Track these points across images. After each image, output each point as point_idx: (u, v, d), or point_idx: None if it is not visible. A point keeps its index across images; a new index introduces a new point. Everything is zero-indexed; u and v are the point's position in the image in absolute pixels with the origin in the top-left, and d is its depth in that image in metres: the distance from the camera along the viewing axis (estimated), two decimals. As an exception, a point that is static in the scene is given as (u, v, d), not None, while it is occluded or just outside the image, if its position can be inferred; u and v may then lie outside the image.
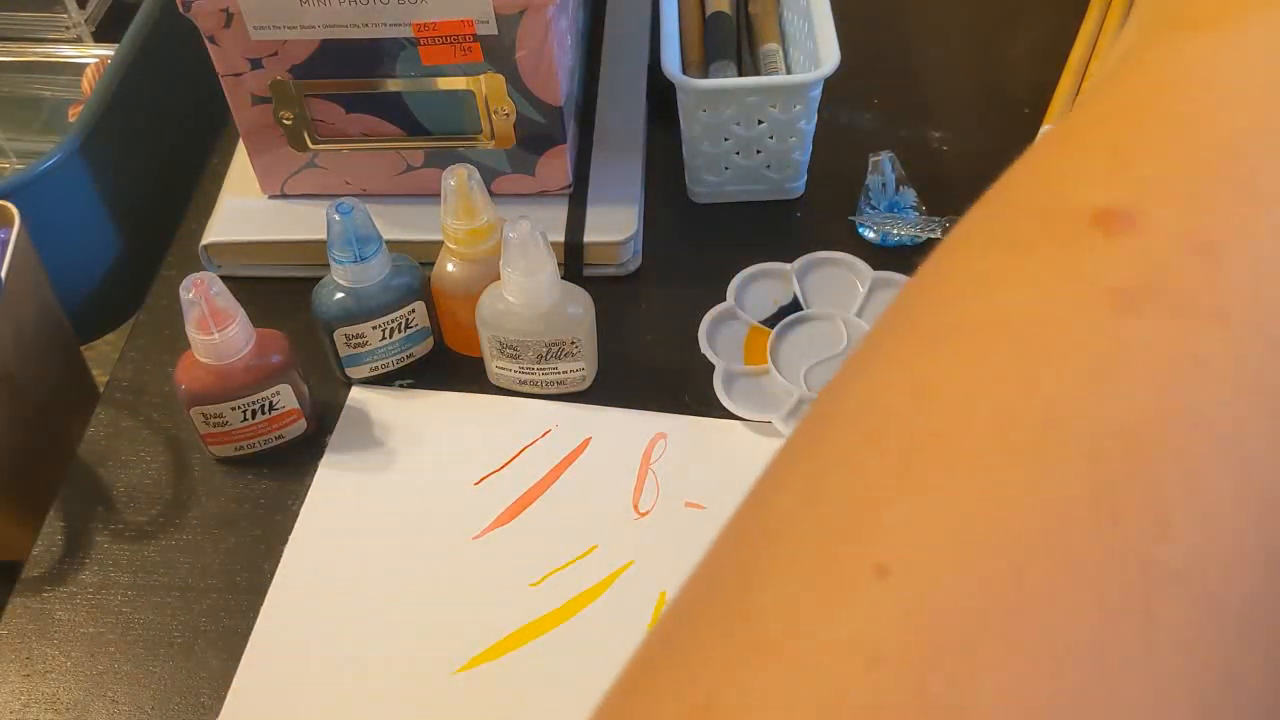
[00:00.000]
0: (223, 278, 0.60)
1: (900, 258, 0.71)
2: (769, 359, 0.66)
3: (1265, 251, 0.20)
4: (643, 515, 0.62)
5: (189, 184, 0.80)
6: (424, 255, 0.67)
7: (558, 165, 0.71)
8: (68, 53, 0.88)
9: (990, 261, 0.21)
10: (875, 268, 0.70)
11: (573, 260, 0.71)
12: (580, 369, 0.65)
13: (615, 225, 0.71)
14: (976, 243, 0.22)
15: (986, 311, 0.20)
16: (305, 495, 0.63)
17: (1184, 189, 0.21)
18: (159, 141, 0.83)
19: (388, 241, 0.63)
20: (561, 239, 0.70)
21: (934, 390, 0.20)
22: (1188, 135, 0.21)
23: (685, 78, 0.68)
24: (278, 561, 0.61)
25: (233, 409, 0.62)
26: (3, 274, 0.64)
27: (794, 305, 0.69)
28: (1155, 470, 0.18)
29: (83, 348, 0.77)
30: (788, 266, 0.70)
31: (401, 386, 0.68)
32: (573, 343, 0.64)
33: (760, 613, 0.18)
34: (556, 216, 0.71)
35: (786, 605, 0.18)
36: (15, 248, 0.65)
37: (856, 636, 0.17)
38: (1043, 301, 0.20)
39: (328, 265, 0.63)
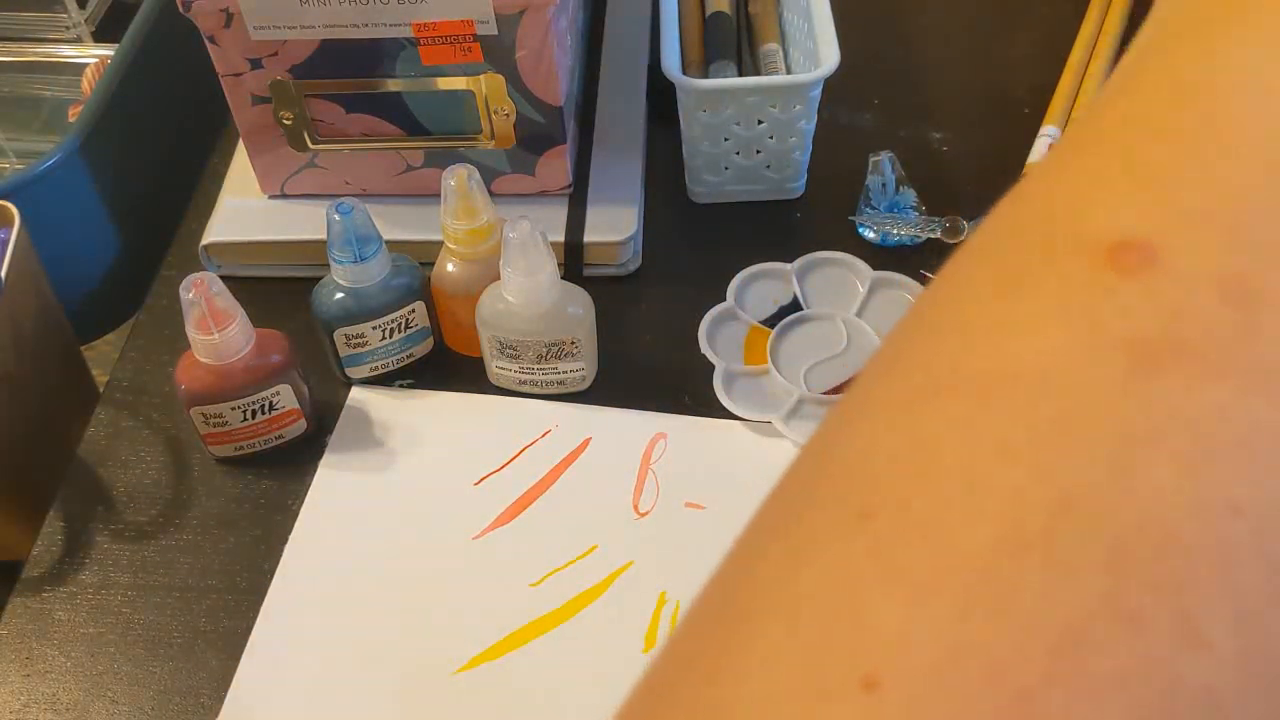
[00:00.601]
0: (223, 278, 0.60)
1: (900, 258, 0.71)
2: (769, 359, 0.66)
3: None
4: (643, 515, 0.62)
5: (189, 184, 0.80)
6: (424, 255, 0.67)
7: (558, 165, 0.71)
8: (68, 53, 0.88)
9: (992, 304, 0.19)
10: (875, 268, 0.70)
11: (573, 260, 0.71)
12: (580, 369, 0.65)
13: (615, 225, 0.71)
14: (979, 278, 0.20)
15: (987, 364, 0.18)
16: (305, 495, 0.63)
17: (1213, 218, 0.17)
18: (159, 141, 0.83)
19: (388, 241, 0.63)
20: (561, 239, 0.70)
21: (930, 461, 0.17)
22: (1217, 150, 0.18)
23: (685, 78, 0.68)
24: (278, 561, 0.61)
25: (233, 409, 0.62)
26: (3, 274, 0.64)
27: (794, 305, 0.69)
28: (1185, 569, 0.15)
29: (83, 348, 0.77)
30: (788, 266, 0.70)
31: (401, 386, 0.68)
32: (573, 343, 0.64)
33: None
34: (556, 216, 0.71)
35: (763, 714, 0.16)
36: (15, 248, 0.65)
37: None
38: (1052, 356, 0.17)
39: (328, 265, 0.63)
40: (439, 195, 0.62)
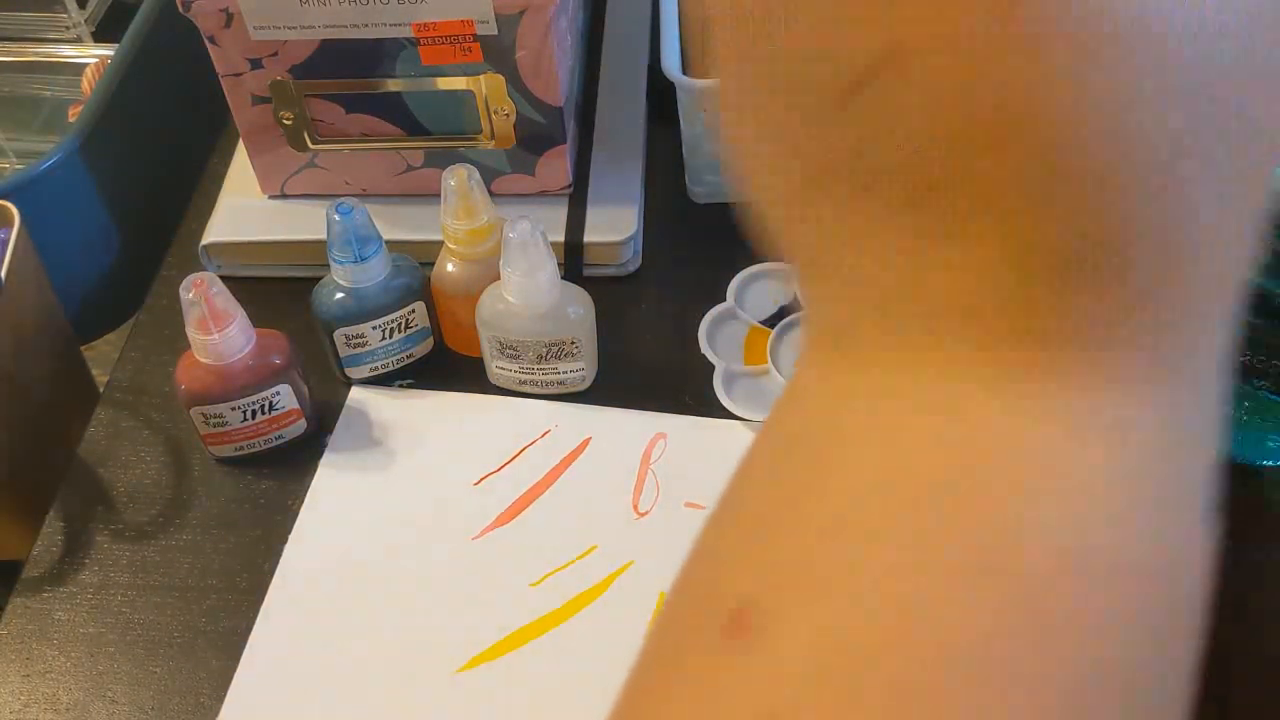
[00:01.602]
0: (223, 278, 0.60)
1: (900, 258, 0.71)
2: (769, 359, 0.66)
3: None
4: (642, 515, 0.62)
5: (189, 184, 0.80)
6: (424, 255, 0.67)
7: (558, 165, 0.71)
8: (68, 53, 0.88)
9: (654, 675, 0.23)
10: (875, 268, 0.70)
11: (573, 260, 0.71)
12: (580, 369, 0.65)
13: (615, 225, 0.71)
14: (655, 647, 0.24)
15: None
16: (305, 495, 0.63)
17: (805, 585, 0.21)
18: (159, 141, 0.83)
19: (388, 241, 0.63)
20: (561, 239, 0.70)
21: None
22: (811, 522, 0.21)
23: (685, 78, 0.68)
24: (278, 561, 0.61)
25: (233, 409, 0.62)
26: (2, 274, 0.64)
27: (794, 305, 0.69)
28: None
29: (83, 348, 0.77)
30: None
31: (401, 386, 0.68)
32: (573, 343, 0.64)
33: None
34: (556, 216, 0.71)
35: None
36: (15, 248, 0.65)
37: None
38: None
39: (328, 265, 0.63)
40: (439, 195, 0.62)
